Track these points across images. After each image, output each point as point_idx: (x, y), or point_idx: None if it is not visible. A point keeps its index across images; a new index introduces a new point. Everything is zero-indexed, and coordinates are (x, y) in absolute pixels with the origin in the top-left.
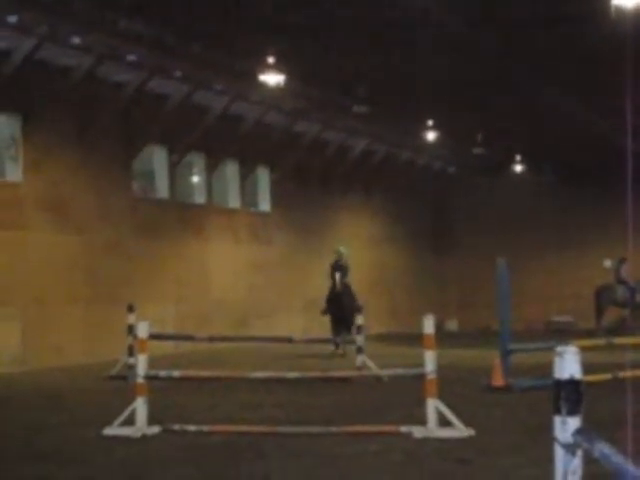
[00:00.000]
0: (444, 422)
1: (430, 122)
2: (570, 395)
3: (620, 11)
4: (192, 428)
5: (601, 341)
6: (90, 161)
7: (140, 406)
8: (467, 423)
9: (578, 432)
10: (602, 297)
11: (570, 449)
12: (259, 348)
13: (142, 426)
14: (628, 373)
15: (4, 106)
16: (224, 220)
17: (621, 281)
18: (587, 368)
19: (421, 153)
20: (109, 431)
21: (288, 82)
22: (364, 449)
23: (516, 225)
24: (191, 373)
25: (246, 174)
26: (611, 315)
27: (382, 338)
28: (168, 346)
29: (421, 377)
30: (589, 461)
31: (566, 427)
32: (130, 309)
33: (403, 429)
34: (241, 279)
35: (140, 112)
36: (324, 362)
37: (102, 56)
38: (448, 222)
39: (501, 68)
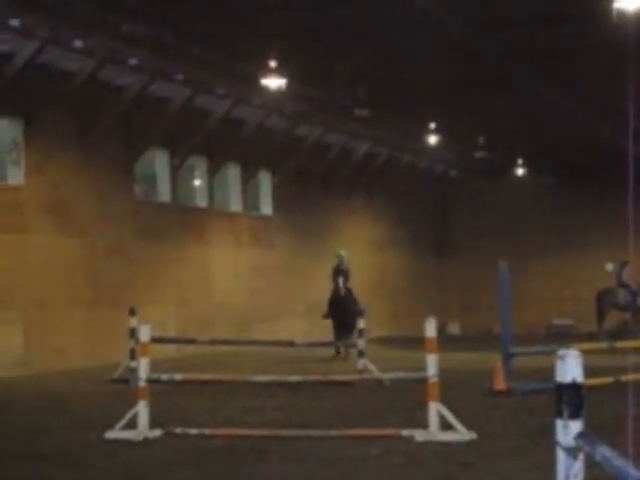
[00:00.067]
0: (446, 425)
1: (432, 125)
2: (572, 399)
3: (622, 14)
4: (194, 431)
5: (603, 344)
6: (92, 164)
7: (142, 409)
8: (469, 426)
9: (580, 436)
10: (604, 300)
11: (572, 452)
12: (261, 352)
13: (144, 429)
14: (630, 376)
15: (6, 109)
16: (226, 224)
17: (623, 284)
18: (589, 371)
19: (423, 156)
20: (111, 434)
21: (289, 85)
22: (365, 452)
23: (517, 228)
24: (193, 376)
25: (248, 178)
26: (613, 318)
27: (384, 341)
28: (170, 349)
29: (423, 380)
30: (591, 465)
31: (568, 430)
32: (132, 312)
33: (405, 432)
34: (243, 283)
35: (142, 115)
36: (325, 366)
37: (104, 59)
38: (450, 225)
39: (501, 69)
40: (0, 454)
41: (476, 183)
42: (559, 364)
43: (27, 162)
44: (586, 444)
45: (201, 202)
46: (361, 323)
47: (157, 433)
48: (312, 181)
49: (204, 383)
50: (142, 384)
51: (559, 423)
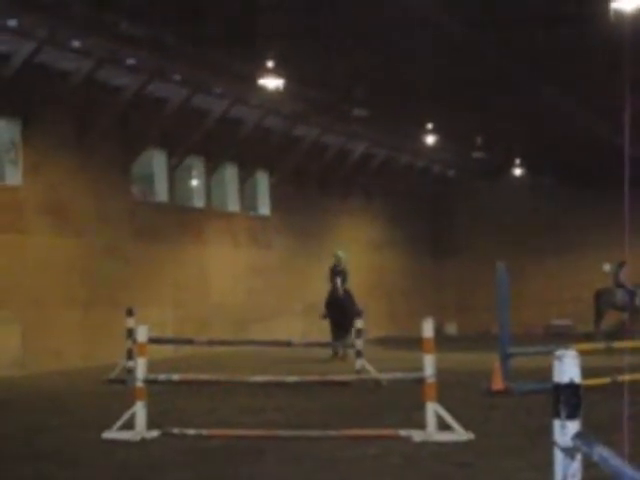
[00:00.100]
0: (443, 426)
1: (429, 125)
2: (569, 399)
3: (619, 14)
4: (191, 432)
5: (600, 345)
6: (89, 165)
7: (139, 410)
8: (466, 427)
9: (577, 436)
10: (601, 301)
11: (569, 453)
12: (258, 352)
13: (141, 430)
14: (627, 377)
15: (3, 110)
16: (223, 224)
17: (620, 285)
18: (586, 372)
19: (420, 157)
20: (108, 435)
21: (287, 86)
22: (363, 453)
23: (515, 228)
24: (190, 377)
25: (245, 178)
26: (610, 319)
27: (381, 342)
28: (167, 350)
29: (420, 381)
30: (588, 465)
31: (565, 431)
32: (129, 313)
33: (402, 433)
34: (240, 283)
35: (139, 116)
36: (323, 366)
37: (101, 60)
38: (447, 225)
39: (500, 69)
40: None
41: (474, 183)
42: (557, 364)
43: (25, 162)
44: (583, 444)
45: (198, 202)
46: (359, 323)
47: (154, 433)
48: (310, 181)
49: (202, 383)
50: (139, 384)
51: (557, 423)
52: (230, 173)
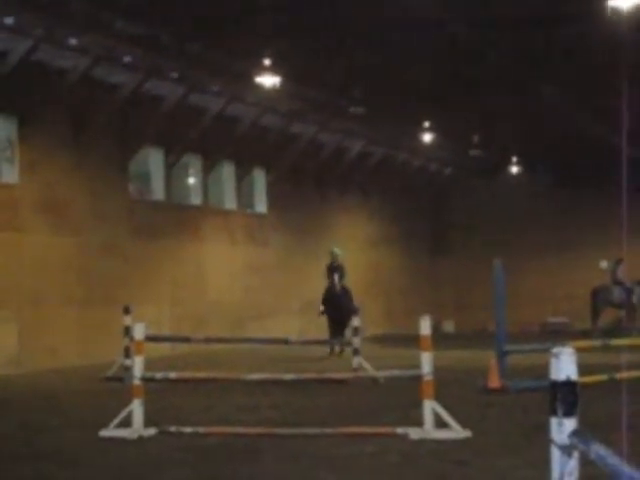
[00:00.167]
0: (440, 423)
1: (427, 123)
2: (566, 396)
3: (616, 12)
4: (188, 430)
5: (597, 342)
6: (86, 163)
7: (136, 408)
8: (463, 424)
9: (574, 433)
10: (598, 298)
11: (566, 451)
12: (255, 350)
13: (138, 428)
14: (624, 374)
15: (0, 108)
16: (220, 221)
17: (617, 282)
18: (583, 369)
19: (418, 155)
20: (105, 433)
21: (284, 84)
22: (360, 450)
23: (512, 226)
24: (187, 375)
25: (242, 175)
26: (607, 316)
27: (378, 339)
28: (164, 348)
29: (417, 378)
30: (585, 462)
31: (562, 428)
32: (126, 311)
33: (399, 430)
34: (237, 281)
35: (136, 113)
36: (320, 364)
37: (98, 57)
38: (445, 223)
39: (499, 68)
40: None
41: (471, 181)
42: (553, 362)
43: (21, 160)
44: (580, 442)
45: (195, 200)
46: (356, 321)
47: (152, 431)
48: (306, 179)
49: (198, 381)
50: (136, 382)
51: (553, 421)
52: (227, 171)
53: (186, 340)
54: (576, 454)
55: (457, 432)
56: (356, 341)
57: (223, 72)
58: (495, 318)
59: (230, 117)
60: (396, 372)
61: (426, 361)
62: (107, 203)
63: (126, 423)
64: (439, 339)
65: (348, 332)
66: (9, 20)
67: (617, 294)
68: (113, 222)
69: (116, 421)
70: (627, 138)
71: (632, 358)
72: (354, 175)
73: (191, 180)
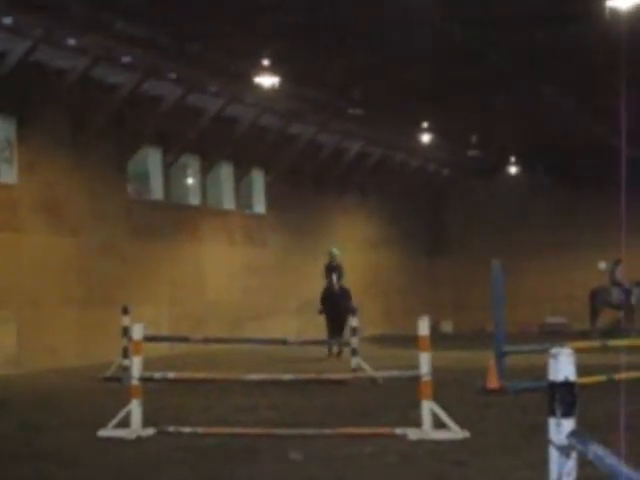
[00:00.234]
0: (439, 424)
1: (425, 124)
2: (564, 397)
3: (614, 13)
4: (187, 430)
5: (596, 343)
6: (85, 163)
7: (135, 408)
8: (462, 425)
9: (572, 434)
10: (597, 299)
11: (565, 451)
12: (254, 350)
13: (137, 428)
14: (622, 375)
15: None
16: (219, 222)
17: (616, 283)
18: (582, 370)
19: (416, 155)
20: (104, 433)
21: (283, 84)
22: (359, 451)
23: (511, 227)
24: (186, 375)
25: (241, 176)
26: (606, 317)
27: (377, 340)
28: (163, 348)
29: (416, 379)
30: (583, 463)
31: (560, 429)
32: (125, 311)
33: (398, 431)
34: (236, 281)
35: (135, 114)
36: (319, 364)
37: (97, 58)
38: (443, 224)
39: (499, 68)
40: None
41: (469, 182)
42: (552, 362)
43: (20, 160)
44: (579, 442)
45: (194, 200)
46: (354, 321)
47: (150, 431)
48: (305, 179)
49: (197, 382)
50: (135, 382)
51: (552, 421)
52: (225, 171)
53: (184, 340)
54: (574, 454)
55: (455, 433)
56: (354, 341)
57: (222, 72)
58: (494, 318)
59: (229, 117)
60: (394, 372)
61: (424, 361)
62: (106, 203)
63: (125, 423)
64: (437, 339)
65: (347, 332)
66: (8, 20)
67: (616, 295)
68: (112, 222)
69: (115, 421)
70: (626, 138)
71: (631, 359)
72: (353, 176)
73: (190, 180)
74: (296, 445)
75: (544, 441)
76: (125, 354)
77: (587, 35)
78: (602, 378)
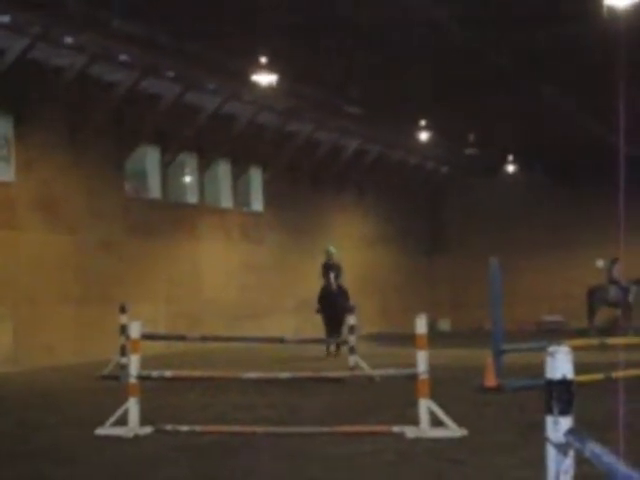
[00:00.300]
0: (436, 422)
1: (423, 122)
2: (562, 395)
3: (612, 11)
4: (184, 428)
5: (593, 341)
6: (82, 161)
7: (132, 406)
8: (459, 423)
9: (570, 432)
10: (594, 297)
11: (562, 449)
12: (251, 348)
13: (134, 426)
14: (620, 373)
15: None
16: (216, 220)
17: (613, 281)
18: (579, 368)
19: (414, 153)
20: (101, 431)
21: (280, 82)
22: (357, 449)
23: (509, 225)
24: (183, 373)
25: (238, 174)
26: (603, 315)
27: (374, 338)
28: (159, 346)
29: (413, 377)
30: (581, 461)
31: (558, 427)
32: (122, 309)
33: (395, 429)
34: (233, 279)
35: (132, 112)
36: (316, 363)
37: (95, 56)
38: (441, 222)
39: (499, 68)
40: None
41: (467, 180)
42: (549, 361)
43: (17, 158)
44: (576, 440)
45: (192, 198)
46: (352, 320)
47: (148, 430)
48: (303, 177)
49: (195, 380)
50: (133, 381)
51: (549, 419)
52: (223, 169)
53: (182, 338)
54: (572, 452)
55: (453, 431)
56: (352, 339)
57: (219, 70)
58: (491, 317)
59: (226, 115)
60: (392, 371)
61: (422, 360)
62: (103, 201)
63: (122, 421)
64: (435, 337)
65: (345, 331)
66: (5, 18)
67: (613, 293)
68: (109, 220)
69: (112, 419)
70: (625, 137)
71: (628, 357)
72: (350, 173)
73: (187, 178)
74: (293, 443)
75: (542, 439)
76: (123, 352)
77: (586, 35)
78: (600, 376)
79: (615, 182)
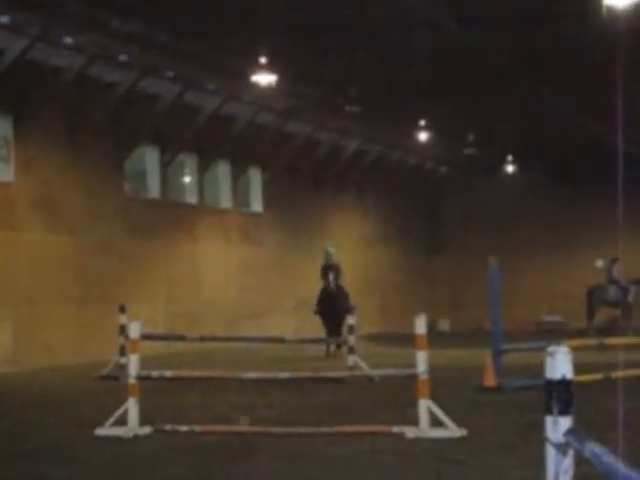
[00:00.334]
0: (436, 422)
1: (422, 122)
2: (561, 395)
3: (611, 11)
4: (184, 428)
5: (593, 341)
6: (82, 161)
7: (132, 406)
8: (459, 423)
9: (569, 432)
10: (594, 297)
11: (561, 449)
12: (250, 348)
13: (134, 426)
14: (619, 373)
15: None
16: (216, 220)
17: (613, 281)
18: (579, 368)
19: (413, 153)
20: (101, 431)
21: (280, 82)
22: (356, 449)
23: (508, 225)
24: (183, 373)
25: (238, 174)
26: (603, 315)
27: (373, 338)
28: (159, 346)
29: (413, 377)
30: (580, 461)
31: (557, 427)
32: (122, 309)
33: (395, 429)
34: (232, 279)
35: (132, 112)
36: (316, 363)
37: (94, 56)
38: (440, 222)
39: (498, 68)
40: None
41: (467, 180)
42: (549, 361)
43: (17, 159)
44: (575, 440)
45: (191, 199)
46: (351, 320)
47: (147, 430)
48: (302, 178)
49: (194, 380)
50: (132, 381)
51: (549, 419)
52: (223, 170)
53: (181, 339)
54: (571, 452)
55: (453, 431)
56: (351, 339)
57: (219, 70)
58: (491, 317)
59: (226, 116)
60: (391, 371)
61: (421, 360)
62: (103, 201)
63: (122, 421)
64: (434, 338)
65: (344, 332)
66: (4, 19)
67: (613, 293)
68: (108, 220)
69: (112, 419)
70: (624, 137)
71: (628, 357)
72: (350, 173)
73: (187, 179)
74: (293, 443)
75: (541, 439)
76: (122, 352)
77: (586, 35)
78: (599, 376)
79: (615, 182)
